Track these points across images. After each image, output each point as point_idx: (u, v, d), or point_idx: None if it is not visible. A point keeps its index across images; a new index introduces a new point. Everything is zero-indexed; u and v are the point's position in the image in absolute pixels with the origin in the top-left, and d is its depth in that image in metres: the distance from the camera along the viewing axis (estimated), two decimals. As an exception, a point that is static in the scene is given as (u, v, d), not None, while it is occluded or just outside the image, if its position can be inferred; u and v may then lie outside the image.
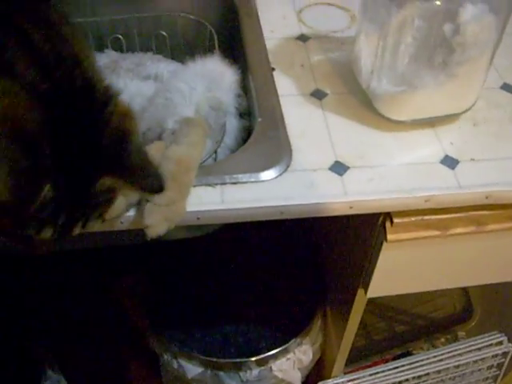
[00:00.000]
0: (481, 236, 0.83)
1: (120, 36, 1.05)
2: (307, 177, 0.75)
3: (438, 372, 1.19)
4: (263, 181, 0.73)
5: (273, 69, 0.89)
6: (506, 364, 1.21)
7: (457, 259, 0.88)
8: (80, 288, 1.40)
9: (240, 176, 0.73)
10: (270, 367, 1.13)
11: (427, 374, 1.18)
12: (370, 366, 1.28)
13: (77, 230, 0.56)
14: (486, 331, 1.19)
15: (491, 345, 1.18)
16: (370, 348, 1.37)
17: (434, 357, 1.19)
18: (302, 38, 0.96)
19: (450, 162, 0.78)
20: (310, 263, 1.24)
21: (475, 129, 0.83)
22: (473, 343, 1.19)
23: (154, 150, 0.70)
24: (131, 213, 0.69)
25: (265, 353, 1.12)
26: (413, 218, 0.78)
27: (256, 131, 0.80)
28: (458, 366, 1.21)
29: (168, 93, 0.83)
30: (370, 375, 1.15)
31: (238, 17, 0.99)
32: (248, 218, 0.72)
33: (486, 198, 0.76)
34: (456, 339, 1.39)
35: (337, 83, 0.88)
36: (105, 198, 0.57)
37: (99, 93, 0.55)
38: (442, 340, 1.40)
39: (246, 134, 0.86)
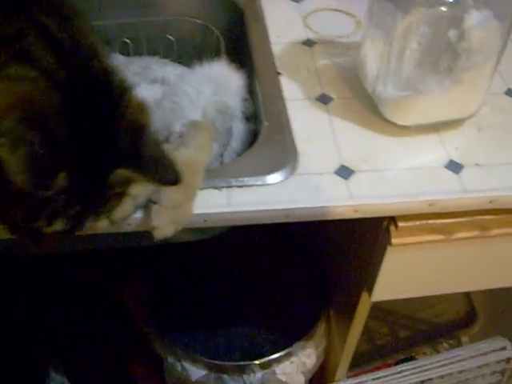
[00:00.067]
0: (485, 240, 0.83)
1: (127, 40, 1.06)
2: (313, 180, 0.75)
3: (441, 377, 1.19)
4: (269, 184, 0.74)
5: (279, 73, 0.90)
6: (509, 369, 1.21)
7: (461, 264, 0.89)
8: (84, 290, 1.41)
9: (246, 179, 0.74)
10: (274, 370, 1.13)
11: (430, 379, 1.18)
12: (372, 371, 1.28)
13: (87, 225, 0.56)
14: (489, 336, 1.19)
15: (495, 350, 1.18)
16: (373, 352, 1.37)
17: (438, 362, 1.19)
18: (308, 43, 0.97)
19: (454, 166, 0.79)
20: (314, 266, 1.25)
21: (480, 134, 0.84)
22: (476, 348, 1.19)
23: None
24: (138, 215, 0.69)
25: (268, 356, 1.12)
26: (417, 222, 0.78)
27: (262, 135, 0.81)
28: (461, 371, 1.21)
29: (175, 96, 0.84)
30: (373, 380, 1.16)
31: (245, 22, 0.99)
32: (254, 220, 0.73)
33: (490, 202, 0.76)
34: (459, 344, 1.39)
35: (342, 88, 0.88)
36: (117, 190, 0.57)
37: (115, 84, 0.55)
38: (445, 345, 1.40)
39: (252, 138, 0.86)
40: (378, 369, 1.29)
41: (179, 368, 1.14)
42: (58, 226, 0.53)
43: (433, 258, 0.86)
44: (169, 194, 0.66)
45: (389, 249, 0.81)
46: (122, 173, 0.55)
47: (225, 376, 1.12)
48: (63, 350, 1.32)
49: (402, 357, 1.37)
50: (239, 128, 0.87)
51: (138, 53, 1.07)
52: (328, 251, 1.22)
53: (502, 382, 1.25)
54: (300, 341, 1.14)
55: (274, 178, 0.74)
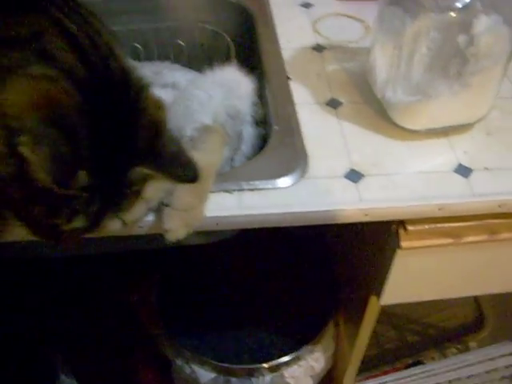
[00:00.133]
0: (494, 244, 0.83)
1: (138, 45, 1.07)
2: (323, 184, 0.76)
3: (450, 382, 1.19)
4: (280, 187, 0.75)
5: (289, 78, 0.91)
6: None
7: (470, 267, 0.89)
8: (93, 293, 1.41)
9: (257, 183, 0.74)
10: (282, 374, 1.13)
11: (438, 383, 1.18)
12: (381, 375, 1.28)
13: (106, 222, 0.57)
14: (497, 341, 1.19)
15: (503, 355, 1.18)
16: (381, 357, 1.37)
17: (446, 366, 1.19)
18: (318, 48, 0.97)
19: (463, 170, 0.79)
20: (322, 270, 1.25)
21: (489, 138, 0.84)
22: (484, 353, 1.19)
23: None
24: (150, 217, 0.70)
25: (277, 359, 1.12)
26: (426, 226, 0.79)
27: (272, 139, 0.81)
28: (469, 377, 1.21)
29: (186, 101, 0.85)
30: (382, 384, 1.16)
31: (255, 27, 1.00)
32: (265, 223, 0.73)
33: (499, 206, 0.77)
34: (467, 349, 1.38)
35: (352, 93, 0.89)
36: (135, 188, 0.57)
37: (132, 83, 0.56)
38: (454, 350, 1.40)
39: (262, 142, 0.87)
40: (387, 373, 1.29)
41: (188, 371, 1.15)
42: (78, 223, 0.54)
43: (442, 262, 0.86)
44: (181, 197, 0.67)
45: (398, 252, 0.81)
46: (140, 170, 0.56)
47: (233, 379, 1.12)
48: (73, 353, 1.33)
49: (411, 361, 1.36)
50: (249, 132, 0.88)
51: (149, 58, 1.08)
52: (337, 255, 1.23)
53: (511, 387, 1.25)
54: (308, 344, 1.14)
55: (284, 181, 0.75)
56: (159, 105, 0.58)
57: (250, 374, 1.12)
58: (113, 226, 0.59)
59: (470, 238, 0.81)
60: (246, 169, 0.79)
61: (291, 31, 1.00)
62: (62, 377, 1.28)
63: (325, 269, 1.25)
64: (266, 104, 0.89)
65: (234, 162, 0.84)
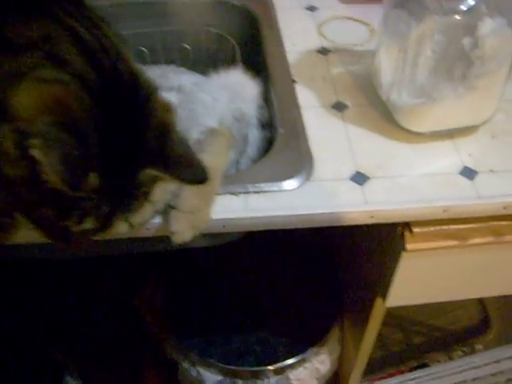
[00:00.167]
0: (499, 246, 0.83)
1: (144, 49, 1.08)
2: (328, 186, 0.76)
3: (455, 384, 1.19)
4: (285, 190, 0.75)
5: (294, 81, 0.91)
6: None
7: (475, 269, 0.89)
8: (99, 296, 1.42)
9: (263, 185, 0.75)
10: (288, 376, 1.14)
11: (444, 385, 1.18)
12: (386, 378, 1.28)
13: (115, 224, 0.57)
14: (503, 343, 1.19)
15: (509, 357, 1.17)
16: (387, 359, 1.37)
17: (451, 369, 1.19)
18: (323, 51, 0.98)
19: (468, 173, 0.79)
20: (328, 272, 1.25)
21: (494, 140, 0.84)
22: (490, 355, 1.19)
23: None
24: (157, 220, 0.70)
25: (282, 361, 1.12)
26: (432, 228, 0.79)
27: (278, 142, 0.82)
28: (475, 379, 1.20)
29: (192, 104, 0.85)
30: (387, 386, 1.16)
31: (260, 30, 1.01)
32: (271, 226, 0.73)
33: (504, 208, 0.77)
34: (473, 351, 1.38)
35: (357, 95, 0.89)
36: (144, 190, 0.58)
37: (142, 86, 0.57)
38: (459, 352, 1.40)
39: (268, 145, 0.87)
40: (392, 376, 1.29)
41: (194, 373, 1.15)
42: (88, 224, 0.54)
43: (447, 264, 0.87)
44: (187, 199, 0.68)
45: (403, 254, 0.81)
46: (149, 172, 0.57)
47: (239, 381, 1.13)
48: (79, 355, 1.33)
49: (416, 364, 1.36)
50: (255, 135, 0.88)
51: (155, 61, 1.09)
52: (342, 257, 1.23)
53: (517, 390, 1.24)
54: (314, 347, 1.14)
55: (289, 184, 0.75)
56: (168, 107, 0.58)
57: (256, 376, 1.13)
58: (120, 229, 0.60)
59: (476, 240, 0.81)
60: (252, 171, 0.80)
61: (296, 34, 1.00)
62: (68, 378, 1.29)
63: (330, 271, 1.25)
64: (272, 107, 0.89)
65: (240, 164, 0.84)
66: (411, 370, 1.32)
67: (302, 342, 1.14)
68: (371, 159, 0.80)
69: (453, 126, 0.83)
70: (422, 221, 0.78)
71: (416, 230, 0.79)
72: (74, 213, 0.53)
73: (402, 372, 1.32)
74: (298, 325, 1.17)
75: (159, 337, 1.24)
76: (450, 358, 1.37)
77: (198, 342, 1.15)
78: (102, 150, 0.52)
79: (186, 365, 1.16)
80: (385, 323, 1.01)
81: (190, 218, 0.68)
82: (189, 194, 0.67)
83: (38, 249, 0.70)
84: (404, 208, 0.75)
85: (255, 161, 0.86)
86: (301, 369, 1.15)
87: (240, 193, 0.74)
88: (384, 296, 0.91)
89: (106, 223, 0.56)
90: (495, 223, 0.80)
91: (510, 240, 0.82)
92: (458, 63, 0.77)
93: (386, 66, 0.84)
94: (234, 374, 1.13)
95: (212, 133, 0.78)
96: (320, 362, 1.16)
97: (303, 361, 1.14)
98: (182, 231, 0.68)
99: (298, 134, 0.83)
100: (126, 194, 0.56)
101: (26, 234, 0.66)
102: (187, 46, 1.08)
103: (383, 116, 0.86)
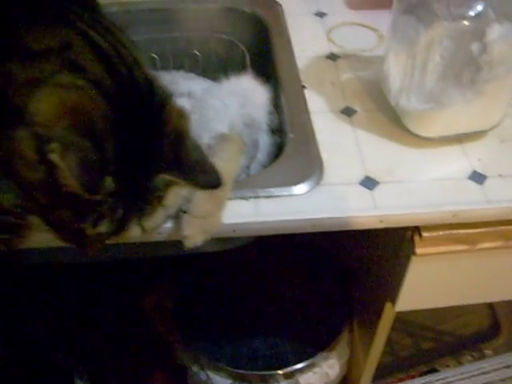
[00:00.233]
0: (508, 251, 0.84)
1: (154, 55, 1.09)
2: (338, 191, 0.77)
3: (465, 389, 1.19)
4: (296, 195, 0.75)
5: (304, 87, 0.92)
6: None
7: (484, 274, 0.89)
8: (109, 300, 1.43)
9: (273, 190, 0.75)
10: (297, 380, 1.14)
11: (453, 390, 1.18)
12: (395, 383, 1.28)
13: (130, 227, 0.58)
14: (513, 348, 1.19)
15: (519, 362, 1.17)
16: (396, 364, 1.37)
17: (461, 374, 1.18)
18: (332, 56, 0.98)
19: (477, 177, 0.80)
20: (337, 276, 1.25)
21: (502, 145, 0.85)
22: (500, 361, 1.18)
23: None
24: (169, 224, 0.71)
25: (292, 366, 1.13)
26: (441, 232, 0.79)
27: (288, 147, 0.82)
28: (484, 384, 1.20)
29: (202, 110, 0.86)
30: (397, 391, 1.16)
31: (270, 36, 1.02)
32: (281, 230, 0.74)
33: (513, 212, 0.77)
34: (482, 357, 1.38)
35: (366, 101, 0.90)
36: (159, 194, 0.58)
37: (157, 92, 0.58)
38: (469, 357, 1.39)
39: (278, 150, 0.88)
40: (401, 381, 1.29)
41: (203, 377, 1.16)
42: (103, 227, 0.55)
43: (456, 268, 0.87)
44: (199, 204, 0.68)
45: (413, 259, 0.82)
46: (164, 177, 0.58)
47: (249, 385, 1.13)
48: (88, 359, 1.34)
49: (425, 369, 1.36)
50: (265, 140, 0.89)
51: (165, 67, 1.10)
52: (351, 261, 1.23)
53: (527, 395, 1.24)
54: (323, 351, 1.14)
55: (300, 188, 0.76)
56: (182, 113, 0.59)
57: (265, 380, 1.13)
58: (133, 233, 0.60)
59: (485, 245, 0.82)
60: (262, 176, 0.80)
61: (305, 40, 1.01)
62: (78, 382, 1.30)
63: (339, 275, 1.26)
64: (282, 112, 0.90)
65: (250, 170, 0.85)
66: (420, 375, 1.32)
67: (312, 346, 1.15)
68: (380, 164, 0.80)
69: (461, 131, 0.83)
70: (431, 225, 0.78)
71: (425, 234, 0.79)
72: (90, 216, 0.54)
73: (411, 377, 1.32)
74: (307, 329, 1.17)
75: (168, 340, 1.25)
76: (459, 363, 1.37)
77: (207, 346, 1.15)
78: (118, 154, 0.53)
79: (195, 369, 1.17)
80: (394, 328, 1.01)
81: (202, 222, 0.69)
82: (201, 199, 0.68)
83: (52, 253, 0.71)
84: (413, 212, 0.75)
85: (265, 166, 0.87)
86: (310, 373, 1.15)
87: (250, 197, 0.75)
88: (393, 300, 0.91)
89: (120, 226, 0.57)
90: (504, 228, 0.80)
91: (520, 244, 0.82)
92: (467, 68, 0.77)
93: (395, 72, 0.84)
94: (244, 378, 1.13)
95: (223, 138, 0.79)
96: (329, 366, 1.17)
97: (312, 365, 1.14)
98: (194, 235, 0.68)
99: (307, 139, 0.83)
100: (141, 197, 0.57)
101: (40, 239, 0.67)
102: (197, 53, 1.09)
103: (392, 121, 0.86)
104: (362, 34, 1.04)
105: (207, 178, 0.60)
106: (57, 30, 0.53)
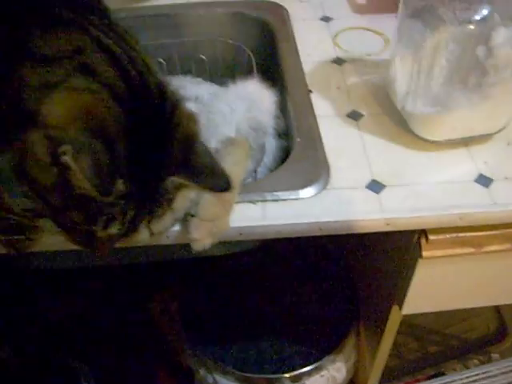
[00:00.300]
0: (515, 254, 0.84)
1: (161, 60, 1.09)
2: (345, 194, 0.77)
3: (471, 393, 1.18)
4: (302, 198, 0.76)
5: (310, 91, 0.92)
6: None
7: (491, 277, 0.89)
8: (115, 303, 1.43)
9: (280, 193, 0.76)
10: (304, 384, 1.14)
11: (460, 394, 1.17)
12: (402, 386, 1.28)
13: (141, 229, 0.59)
14: (520, 352, 1.19)
15: (526, 366, 1.17)
16: (403, 368, 1.37)
17: (467, 378, 1.18)
18: (338, 61, 0.99)
19: (484, 180, 0.80)
20: (343, 279, 1.26)
21: (509, 148, 0.85)
22: (507, 364, 1.18)
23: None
24: (176, 227, 0.71)
25: (299, 369, 1.13)
26: (448, 235, 0.79)
27: (295, 151, 0.83)
28: (491, 388, 1.20)
29: (209, 114, 0.87)
30: (403, 394, 1.16)
31: (276, 41, 1.02)
32: (288, 234, 0.74)
33: (521, 215, 0.77)
34: (489, 360, 1.38)
35: (372, 104, 0.90)
36: (169, 196, 0.59)
37: (168, 96, 0.58)
38: (475, 361, 1.39)
39: (284, 154, 0.88)
40: (408, 384, 1.29)
41: (210, 380, 1.16)
42: (114, 229, 0.56)
43: (463, 271, 0.87)
44: (207, 207, 0.69)
45: (420, 262, 0.82)
46: (174, 180, 0.58)
47: (256, 389, 1.13)
48: (94, 361, 1.34)
49: (432, 372, 1.36)
50: (272, 144, 0.90)
51: (172, 72, 1.11)
52: (358, 264, 1.23)
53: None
54: (330, 354, 1.15)
55: (307, 192, 0.76)
56: (192, 118, 0.60)
57: (272, 383, 1.13)
58: (140, 237, 0.61)
59: (492, 248, 0.82)
60: (270, 180, 0.81)
61: (311, 45, 1.02)
62: (84, 384, 1.30)
63: (346, 278, 1.26)
64: (288, 117, 0.91)
65: (257, 173, 0.85)
66: (427, 378, 1.32)
67: (318, 349, 1.15)
68: (387, 167, 0.81)
69: (467, 134, 0.84)
70: (438, 228, 0.78)
71: (432, 237, 0.79)
72: (101, 218, 0.54)
73: (418, 380, 1.32)
74: (314, 332, 1.17)
75: (175, 344, 1.26)
76: (467, 367, 1.37)
77: (214, 350, 1.16)
78: (130, 157, 0.53)
79: (202, 372, 1.17)
80: (401, 331, 1.01)
81: (210, 225, 0.69)
82: (209, 202, 0.69)
83: (60, 256, 0.71)
84: (420, 216, 0.76)
85: (272, 170, 0.87)
86: (317, 376, 1.15)
87: (258, 201, 0.75)
88: (400, 303, 0.91)
89: (130, 229, 0.58)
90: (511, 230, 0.80)
91: (527, 247, 0.82)
92: (473, 72, 0.78)
93: (401, 76, 0.85)
94: (250, 382, 1.13)
95: (231, 142, 0.79)
96: (336, 369, 1.17)
97: (319, 368, 1.14)
98: (202, 239, 0.69)
99: (314, 142, 0.83)
100: (151, 200, 0.58)
101: (50, 242, 0.67)
102: (204, 57, 1.09)
103: (398, 125, 0.86)
104: (368, 39, 1.05)
105: (217, 181, 0.61)
106: (69, 35, 0.54)
